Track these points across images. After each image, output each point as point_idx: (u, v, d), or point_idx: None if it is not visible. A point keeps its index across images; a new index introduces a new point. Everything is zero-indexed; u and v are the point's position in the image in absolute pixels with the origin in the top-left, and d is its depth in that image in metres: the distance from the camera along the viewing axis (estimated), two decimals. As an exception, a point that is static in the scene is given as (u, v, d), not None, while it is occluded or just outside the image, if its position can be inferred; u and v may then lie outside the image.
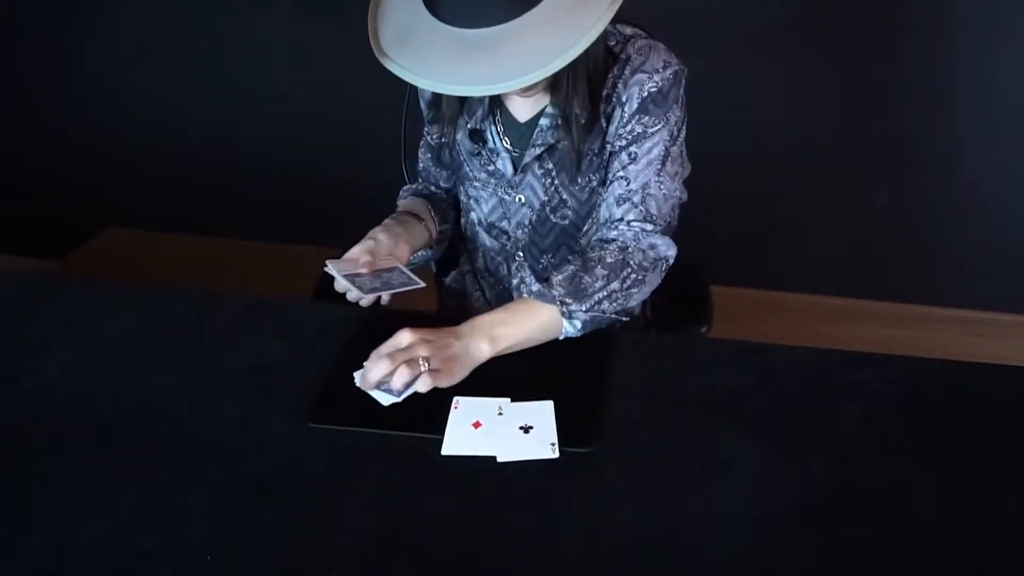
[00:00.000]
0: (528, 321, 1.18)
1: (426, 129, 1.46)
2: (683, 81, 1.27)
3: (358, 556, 0.94)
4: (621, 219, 1.27)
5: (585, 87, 1.22)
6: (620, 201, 1.27)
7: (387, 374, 1.09)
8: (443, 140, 1.43)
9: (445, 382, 1.11)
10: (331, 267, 1.22)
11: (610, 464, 1.04)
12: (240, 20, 2.50)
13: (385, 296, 1.24)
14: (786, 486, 1.01)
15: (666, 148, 1.26)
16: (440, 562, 0.93)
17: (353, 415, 1.11)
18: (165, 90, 2.65)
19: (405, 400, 1.11)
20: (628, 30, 1.30)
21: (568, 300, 1.18)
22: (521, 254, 1.42)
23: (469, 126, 1.35)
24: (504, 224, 1.41)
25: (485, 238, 1.45)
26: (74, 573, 0.93)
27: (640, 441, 1.08)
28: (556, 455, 1.04)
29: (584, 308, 1.19)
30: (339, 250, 1.26)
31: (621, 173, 1.27)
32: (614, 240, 1.27)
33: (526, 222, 1.38)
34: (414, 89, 1.44)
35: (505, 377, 1.16)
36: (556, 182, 1.33)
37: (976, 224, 2.41)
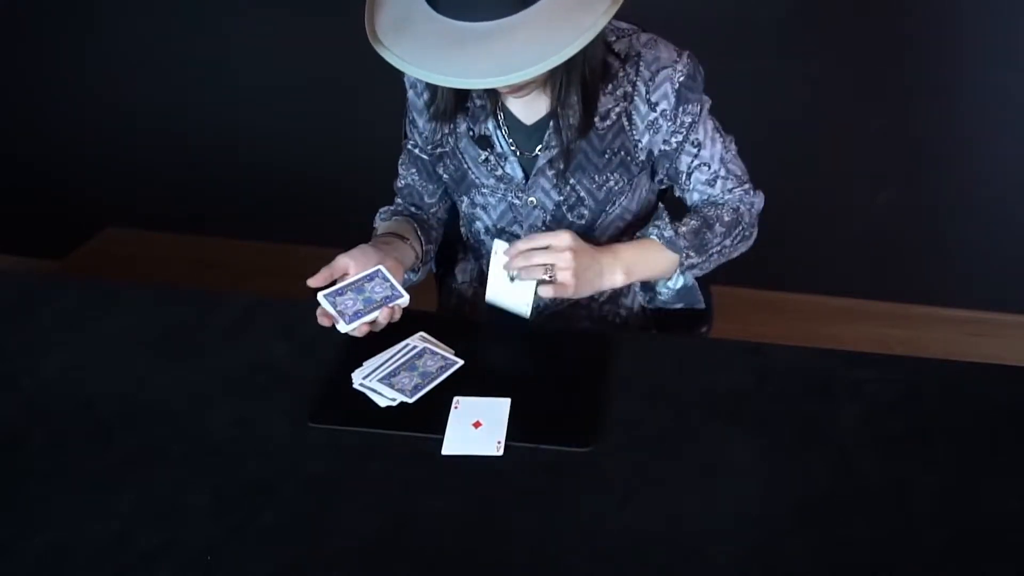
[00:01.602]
0: (659, 261, 1.30)
1: (411, 143, 1.43)
2: (695, 61, 1.31)
3: (358, 556, 0.94)
4: (721, 193, 1.36)
5: (579, 88, 1.22)
6: (711, 183, 1.35)
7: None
8: (443, 150, 1.40)
9: (566, 294, 1.22)
10: (321, 296, 1.17)
11: (610, 464, 1.04)
12: (240, 20, 2.50)
13: (369, 319, 1.17)
14: (786, 486, 1.01)
15: (713, 122, 1.34)
16: (440, 562, 0.93)
17: (353, 415, 1.11)
18: (165, 90, 2.64)
19: (404, 401, 1.11)
20: (624, 25, 1.30)
21: (692, 253, 1.29)
22: None
23: (475, 133, 1.34)
24: (515, 228, 1.40)
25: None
26: (74, 573, 0.93)
27: (640, 441, 1.08)
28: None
29: (700, 261, 1.31)
30: (338, 250, 1.26)
31: (696, 162, 1.34)
32: (725, 203, 1.36)
33: (539, 224, 1.38)
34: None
35: (505, 377, 1.17)
36: (573, 181, 1.33)
37: (976, 224, 2.40)
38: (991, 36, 2.17)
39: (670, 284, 1.37)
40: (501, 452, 1.05)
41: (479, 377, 1.15)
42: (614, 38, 1.28)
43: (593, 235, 1.38)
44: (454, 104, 1.32)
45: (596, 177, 1.32)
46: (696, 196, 1.38)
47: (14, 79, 2.72)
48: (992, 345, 2.40)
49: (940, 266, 2.50)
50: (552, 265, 1.20)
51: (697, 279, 1.43)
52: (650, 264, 1.29)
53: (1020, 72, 2.18)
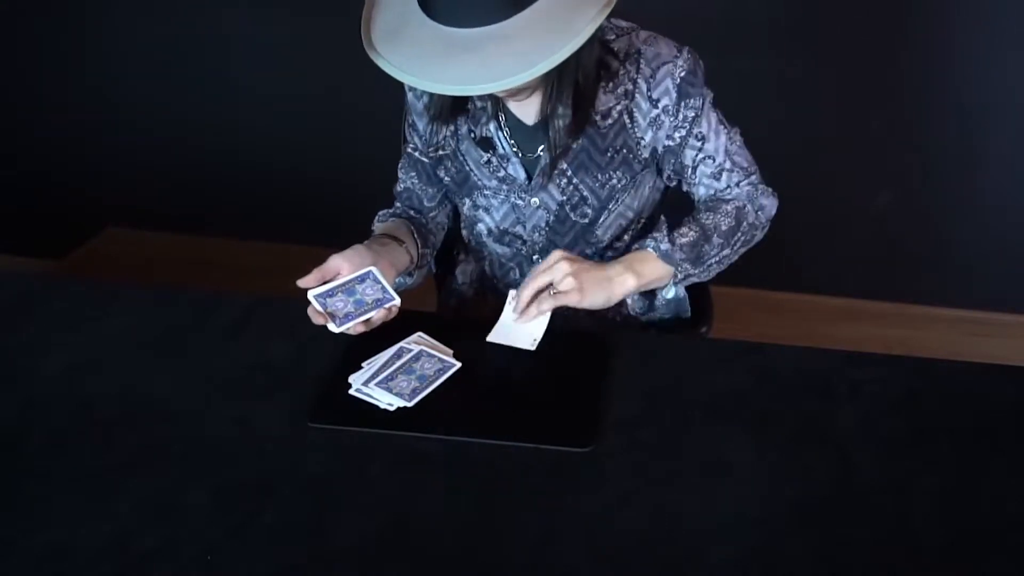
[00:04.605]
0: (655, 271, 1.27)
1: (410, 147, 1.42)
2: (696, 55, 1.31)
3: (358, 556, 0.94)
4: (727, 187, 1.36)
5: (571, 91, 1.22)
6: (716, 176, 1.35)
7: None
8: (444, 153, 1.39)
9: (574, 301, 1.21)
10: (310, 295, 1.18)
11: (610, 464, 1.04)
12: (240, 20, 2.50)
13: (360, 321, 1.17)
14: (786, 486, 1.01)
15: (717, 115, 1.34)
16: (440, 562, 0.93)
17: (353, 415, 1.11)
18: (165, 90, 2.64)
19: (403, 405, 1.11)
20: (623, 23, 1.30)
21: (688, 266, 1.28)
22: (537, 256, 1.41)
23: (476, 135, 1.34)
24: (518, 229, 1.40)
25: (495, 247, 1.44)
26: (74, 573, 0.93)
27: (640, 441, 1.08)
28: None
29: (697, 272, 1.30)
30: (337, 250, 1.26)
31: (701, 155, 1.33)
32: (731, 200, 1.35)
33: (543, 224, 1.38)
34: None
35: (505, 377, 1.17)
36: (576, 180, 1.33)
37: (976, 224, 2.40)
38: (991, 36, 2.17)
39: (666, 295, 1.37)
40: (534, 348, 1.19)
41: (478, 375, 1.15)
42: (613, 36, 1.28)
43: (595, 234, 1.38)
44: (451, 106, 1.32)
45: (599, 176, 1.32)
46: (702, 190, 1.37)
47: (14, 79, 2.72)
48: (992, 345, 2.40)
49: (940, 266, 2.50)
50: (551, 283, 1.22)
51: (689, 288, 1.43)
52: (658, 267, 1.28)
53: (1020, 72, 2.18)
